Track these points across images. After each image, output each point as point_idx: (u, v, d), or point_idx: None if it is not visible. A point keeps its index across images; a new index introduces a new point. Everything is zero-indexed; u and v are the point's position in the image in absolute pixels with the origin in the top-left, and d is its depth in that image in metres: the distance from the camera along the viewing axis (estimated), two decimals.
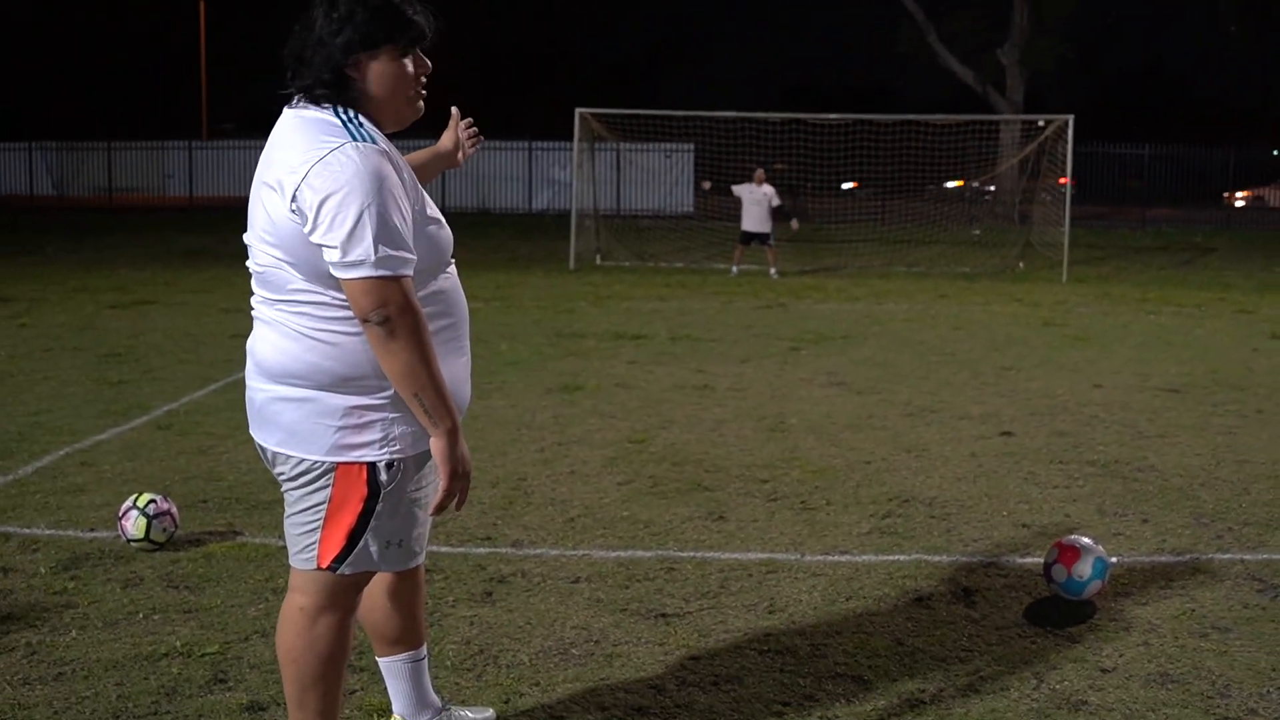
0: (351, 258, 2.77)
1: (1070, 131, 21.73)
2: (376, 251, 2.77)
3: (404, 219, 2.85)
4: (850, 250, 25.32)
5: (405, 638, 3.48)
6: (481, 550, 5.50)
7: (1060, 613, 4.78)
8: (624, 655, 4.34)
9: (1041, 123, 24.58)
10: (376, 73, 2.97)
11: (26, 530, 5.67)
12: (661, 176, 39.70)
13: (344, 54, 2.93)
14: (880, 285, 19.11)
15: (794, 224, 21.92)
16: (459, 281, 3.20)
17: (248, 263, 3.07)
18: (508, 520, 5.96)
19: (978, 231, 28.95)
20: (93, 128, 48.97)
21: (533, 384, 9.63)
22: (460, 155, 3.71)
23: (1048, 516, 6.15)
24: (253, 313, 3.11)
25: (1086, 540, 4.91)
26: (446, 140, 3.70)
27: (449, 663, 4.25)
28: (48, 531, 5.66)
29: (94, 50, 58.95)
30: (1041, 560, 5.05)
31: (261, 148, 3.03)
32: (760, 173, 21.01)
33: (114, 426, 7.87)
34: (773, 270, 20.37)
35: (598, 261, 22.45)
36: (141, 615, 4.64)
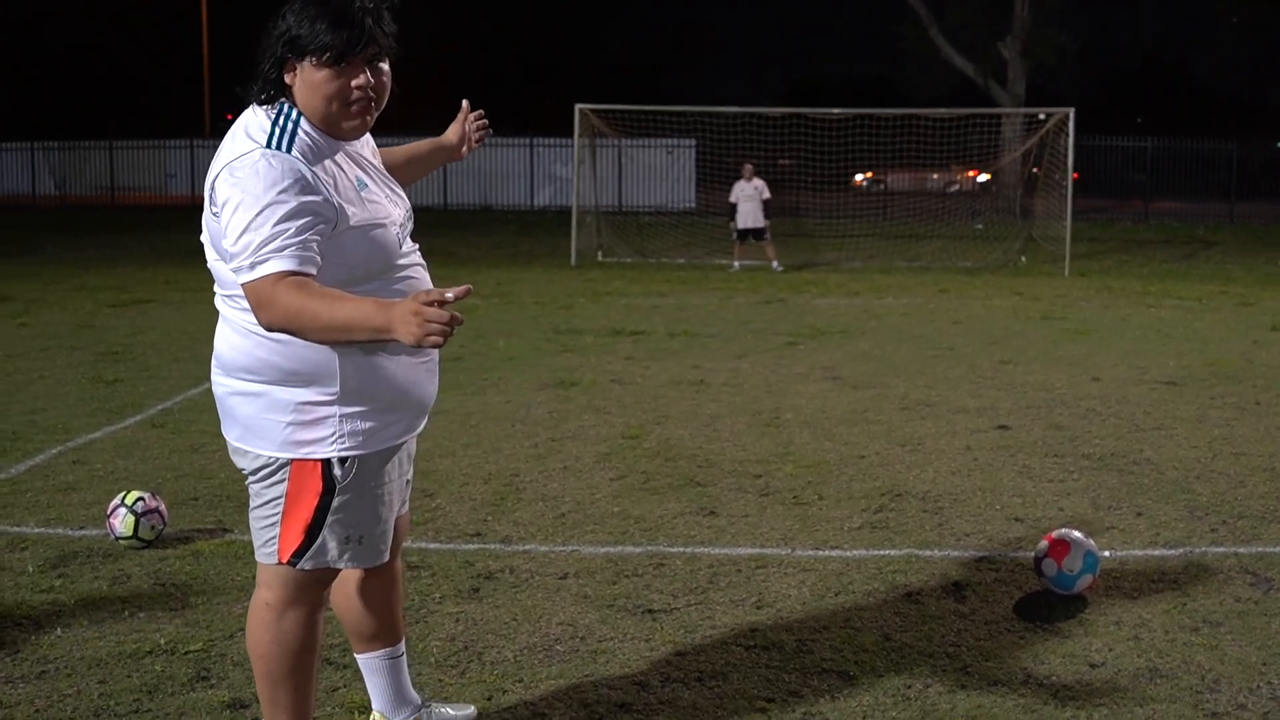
0: (235, 263, 2.80)
1: (1071, 124, 21.68)
2: (255, 254, 2.75)
3: (303, 225, 2.78)
4: (851, 245, 25.28)
5: (381, 635, 3.46)
6: (470, 546, 5.48)
7: (1050, 607, 4.76)
8: (609, 651, 4.32)
9: (1042, 115, 24.52)
10: (301, 80, 2.93)
11: (16, 529, 5.65)
12: (663, 172, 39.63)
13: (279, 59, 2.94)
14: (880, 280, 19.07)
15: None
16: (421, 282, 3.14)
17: None
18: (498, 516, 5.94)
19: (980, 225, 28.88)
20: (94, 127, 48.96)
21: (528, 380, 9.61)
22: (464, 148, 3.69)
23: (1041, 510, 6.12)
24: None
25: (1077, 534, 4.89)
26: (452, 133, 3.69)
27: (433, 659, 4.23)
28: (37, 529, 5.65)
29: (95, 49, 58.98)
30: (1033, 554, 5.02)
31: None
32: (749, 168, 20.79)
33: (108, 425, 7.86)
34: (775, 264, 20.30)
35: (599, 257, 22.42)
36: (127, 613, 4.63)
